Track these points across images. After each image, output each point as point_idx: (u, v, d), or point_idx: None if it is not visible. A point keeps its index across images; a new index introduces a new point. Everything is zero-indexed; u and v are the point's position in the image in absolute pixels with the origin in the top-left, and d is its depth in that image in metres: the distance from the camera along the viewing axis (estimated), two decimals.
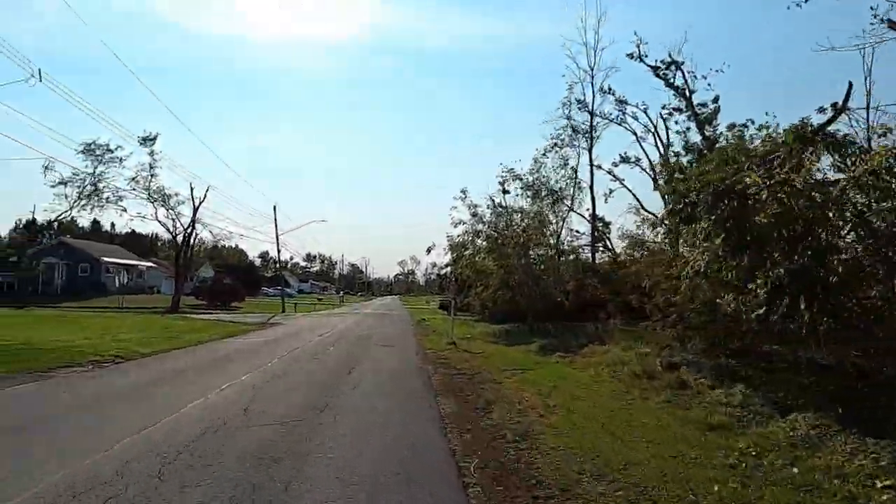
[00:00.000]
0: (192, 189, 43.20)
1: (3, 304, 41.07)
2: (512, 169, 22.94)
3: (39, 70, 22.51)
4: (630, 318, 17.65)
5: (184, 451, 5.61)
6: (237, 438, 6.16)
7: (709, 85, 23.60)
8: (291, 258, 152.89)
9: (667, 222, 15.08)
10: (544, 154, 25.18)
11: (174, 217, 43.18)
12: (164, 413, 7.27)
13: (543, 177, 23.98)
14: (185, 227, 43.47)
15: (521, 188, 22.98)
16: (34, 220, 47.54)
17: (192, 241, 44.53)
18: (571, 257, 24.00)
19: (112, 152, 41.62)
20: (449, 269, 39.78)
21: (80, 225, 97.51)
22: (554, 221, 24.02)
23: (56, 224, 48.02)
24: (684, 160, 21.04)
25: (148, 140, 42.65)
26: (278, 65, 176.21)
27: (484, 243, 21.70)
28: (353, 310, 51.54)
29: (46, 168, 39.21)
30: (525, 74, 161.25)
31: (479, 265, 22.24)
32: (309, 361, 13.43)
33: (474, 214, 21.48)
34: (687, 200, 9.42)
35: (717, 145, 17.01)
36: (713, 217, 8.62)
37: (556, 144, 31.90)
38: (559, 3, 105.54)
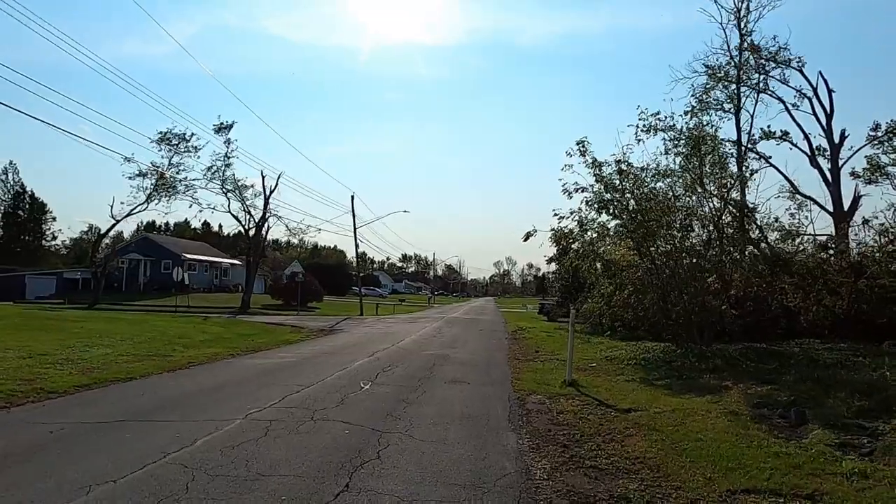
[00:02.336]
0: (263, 177, 39.37)
1: (79, 301, 39.90)
2: (657, 112, 15.20)
3: None
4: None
5: None
6: None
7: None
8: (388, 259, 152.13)
9: None
10: (691, 114, 17.06)
11: (246, 209, 39.57)
12: None
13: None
14: (258, 219, 39.71)
15: (672, 140, 15.14)
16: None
17: (265, 233, 40.67)
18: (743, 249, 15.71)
19: (187, 141, 38.88)
20: (552, 265, 32.55)
21: (175, 223, 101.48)
22: (715, 193, 15.82)
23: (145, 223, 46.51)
24: None
25: (223, 128, 39.57)
26: (377, 72, 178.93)
27: (614, 222, 14.09)
28: (440, 313, 45.38)
29: (127, 160, 37.00)
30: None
31: (605, 254, 14.68)
32: (309, 422, 6.88)
33: (600, 178, 13.92)
34: None
35: None
36: None
37: (699, 106, 23.96)
38: None
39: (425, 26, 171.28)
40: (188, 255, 51.13)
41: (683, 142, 15.26)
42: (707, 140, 15.01)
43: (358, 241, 40.57)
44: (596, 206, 13.59)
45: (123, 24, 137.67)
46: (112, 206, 39.99)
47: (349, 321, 31.23)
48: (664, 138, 15.58)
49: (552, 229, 16.87)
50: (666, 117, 15.11)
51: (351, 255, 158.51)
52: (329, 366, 12.02)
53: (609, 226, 14.69)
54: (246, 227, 39.83)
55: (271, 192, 39.08)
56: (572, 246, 15.36)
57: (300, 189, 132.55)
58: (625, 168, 13.80)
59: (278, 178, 40.13)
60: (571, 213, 14.37)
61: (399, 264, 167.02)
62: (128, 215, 40.59)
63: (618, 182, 13.59)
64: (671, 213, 13.95)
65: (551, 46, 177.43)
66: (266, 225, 40.12)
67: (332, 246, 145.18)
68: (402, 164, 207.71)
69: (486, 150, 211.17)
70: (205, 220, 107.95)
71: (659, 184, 14.72)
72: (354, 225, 40.57)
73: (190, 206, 38.58)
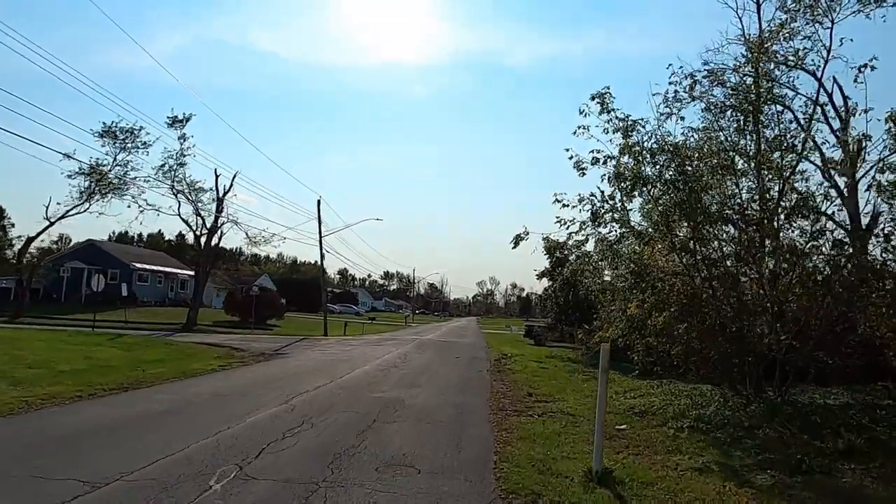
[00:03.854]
0: (217, 176, 34.67)
1: (3, 313, 34.54)
2: (707, 62, 11.01)
3: None
4: None
5: None
6: None
7: None
8: (369, 276, 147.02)
9: None
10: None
11: (198, 212, 34.77)
12: None
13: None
14: (212, 224, 34.93)
15: (725, 99, 10.87)
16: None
17: (217, 239, 35.77)
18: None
19: (135, 134, 34.23)
20: (542, 281, 27.75)
21: (148, 234, 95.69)
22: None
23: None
24: None
25: (178, 121, 34.90)
26: (366, 89, 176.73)
27: (657, 208, 9.54)
28: (415, 334, 40.65)
29: (67, 156, 32.18)
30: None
31: (632, 256, 10.17)
32: None
33: (631, 147, 9.46)
34: None
35: None
36: None
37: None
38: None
39: (414, 45, 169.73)
40: (138, 265, 45.90)
41: (730, 111, 11.03)
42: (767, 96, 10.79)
43: (324, 250, 35.93)
44: (628, 183, 9.14)
45: (115, 35, 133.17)
46: (48, 207, 34.98)
47: (304, 342, 26.47)
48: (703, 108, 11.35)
49: (545, 238, 12.70)
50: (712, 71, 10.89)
51: (333, 271, 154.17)
52: (204, 424, 7.41)
53: (635, 217, 10.34)
54: (197, 232, 34.97)
55: (226, 193, 34.40)
56: (582, 248, 11.00)
57: (272, 198, 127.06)
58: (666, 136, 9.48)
59: (233, 177, 35.79)
60: (581, 202, 9.97)
61: (381, 281, 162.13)
62: (62, 217, 35.65)
63: (654, 153, 9.21)
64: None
65: (538, 67, 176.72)
66: (220, 231, 35.30)
67: (313, 262, 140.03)
68: (387, 182, 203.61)
69: (472, 169, 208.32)
70: (179, 232, 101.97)
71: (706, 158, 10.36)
72: (320, 232, 36.01)
73: (128, 207, 33.68)
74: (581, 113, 9.61)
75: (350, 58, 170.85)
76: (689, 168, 9.10)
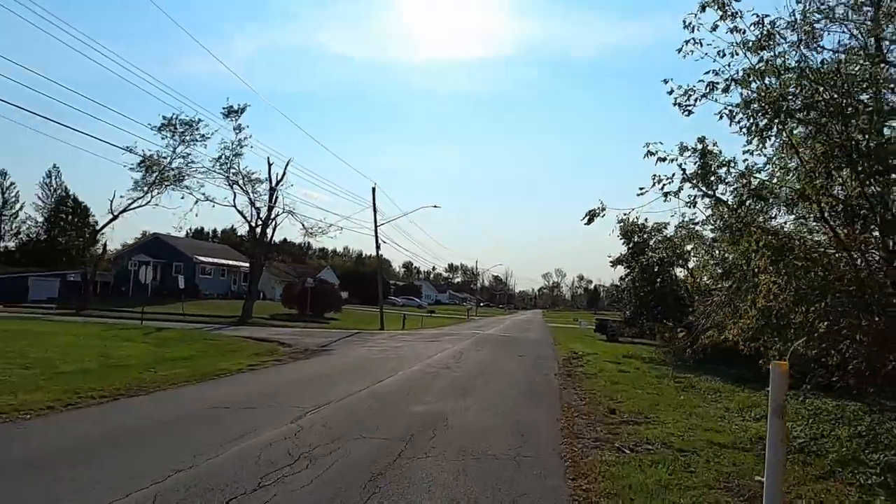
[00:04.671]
0: (269, 165, 33.80)
1: (64, 307, 35.46)
2: None
3: None
4: None
5: None
6: None
7: None
8: (434, 268, 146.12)
9: None
10: None
11: (252, 202, 34.07)
12: None
13: None
14: (266, 214, 34.15)
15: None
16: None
17: (272, 230, 34.95)
18: None
19: (193, 127, 33.84)
20: (620, 269, 23.77)
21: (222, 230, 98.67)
22: None
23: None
24: None
25: (233, 112, 34.27)
26: (426, 86, 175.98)
27: (807, 152, 6.54)
28: (476, 328, 38.39)
29: (128, 150, 32.15)
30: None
31: (770, 228, 7.18)
32: None
33: (768, 64, 6.46)
34: None
35: None
36: None
37: None
38: None
39: (475, 39, 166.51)
40: (201, 258, 46.33)
41: None
42: None
43: (380, 240, 34.22)
44: (761, 118, 6.27)
45: (188, 44, 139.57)
46: (112, 201, 35.52)
47: (356, 337, 24.80)
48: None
49: (621, 221, 10.07)
50: None
51: (398, 264, 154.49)
52: (154, 462, 5.42)
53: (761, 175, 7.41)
54: (252, 223, 34.27)
55: (279, 182, 33.45)
56: (684, 218, 8.21)
57: (331, 189, 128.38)
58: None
59: (286, 165, 34.30)
60: (684, 152, 7.20)
61: (445, 274, 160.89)
62: (124, 210, 36.06)
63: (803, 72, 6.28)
64: None
65: (602, 57, 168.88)
66: (274, 221, 34.45)
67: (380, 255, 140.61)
68: (451, 177, 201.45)
69: (539, 161, 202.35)
70: (249, 227, 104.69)
71: None
72: (375, 220, 34.31)
73: (182, 198, 33.34)
74: (687, 26, 6.80)
75: (413, 55, 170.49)
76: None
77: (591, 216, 8.21)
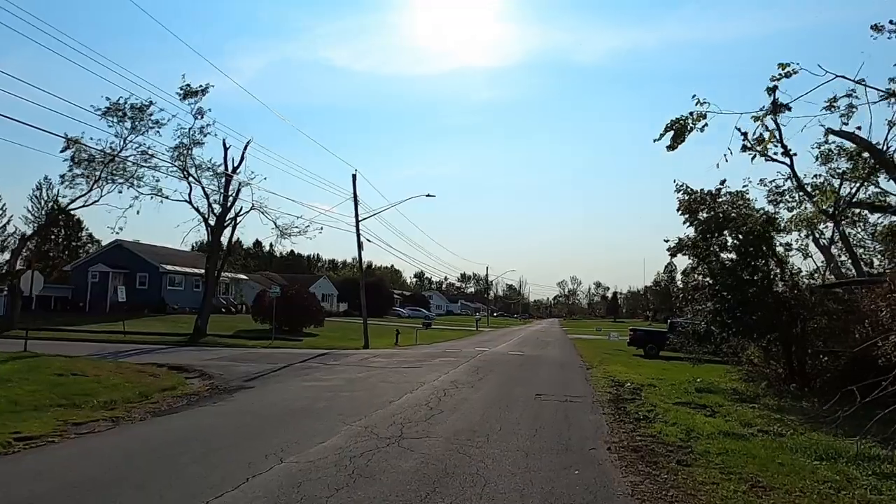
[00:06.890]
0: (225, 149, 27.70)
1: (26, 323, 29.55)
2: None
3: None
4: None
5: None
6: None
7: None
8: (446, 278, 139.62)
9: None
10: None
11: (206, 195, 27.98)
12: None
13: None
14: (220, 209, 28.09)
15: None
16: (58, 205, 36.49)
17: (231, 229, 28.83)
18: None
19: (145, 112, 27.55)
20: (677, 259, 17.51)
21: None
22: None
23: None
24: None
25: (191, 93, 28.13)
26: (438, 97, 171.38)
27: None
28: (482, 343, 31.86)
29: (69, 140, 26.01)
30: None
31: None
32: None
33: None
34: None
35: None
36: None
37: None
38: None
39: (482, 49, 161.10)
40: (168, 268, 40.40)
41: None
42: None
43: (363, 238, 27.85)
44: None
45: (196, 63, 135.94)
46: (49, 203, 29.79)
47: (320, 360, 18.51)
48: None
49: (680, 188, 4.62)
50: None
51: (408, 275, 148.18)
52: None
53: None
54: (207, 220, 28.15)
55: (235, 168, 27.37)
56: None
57: (314, 183, 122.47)
58: None
59: (245, 146, 27.99)
60: None
61: (457, 284, 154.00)
62: (63, 210, 30.38)
63: None
64: None
65: (610, 63, 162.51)
66: (234, 219, 28.37)
67: (389, 265, 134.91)
68: (463, 188, 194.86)
69: (552, 169, 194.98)
70: (256, 240, 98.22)
71: None
72: (356, 213, 27.98)
73: (120, 193, 27.35)
74: None
75: (420, 67, 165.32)
76: None
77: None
